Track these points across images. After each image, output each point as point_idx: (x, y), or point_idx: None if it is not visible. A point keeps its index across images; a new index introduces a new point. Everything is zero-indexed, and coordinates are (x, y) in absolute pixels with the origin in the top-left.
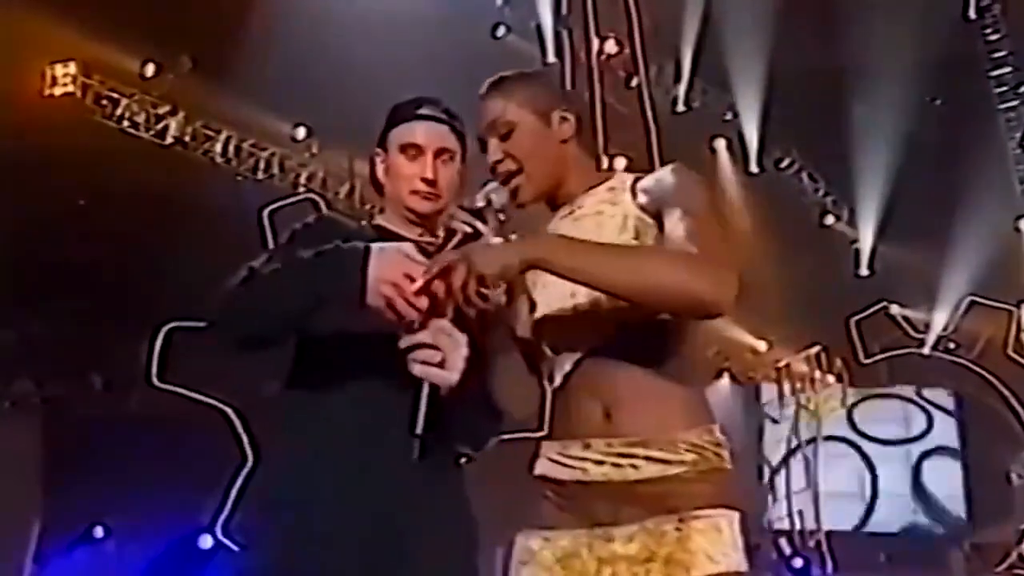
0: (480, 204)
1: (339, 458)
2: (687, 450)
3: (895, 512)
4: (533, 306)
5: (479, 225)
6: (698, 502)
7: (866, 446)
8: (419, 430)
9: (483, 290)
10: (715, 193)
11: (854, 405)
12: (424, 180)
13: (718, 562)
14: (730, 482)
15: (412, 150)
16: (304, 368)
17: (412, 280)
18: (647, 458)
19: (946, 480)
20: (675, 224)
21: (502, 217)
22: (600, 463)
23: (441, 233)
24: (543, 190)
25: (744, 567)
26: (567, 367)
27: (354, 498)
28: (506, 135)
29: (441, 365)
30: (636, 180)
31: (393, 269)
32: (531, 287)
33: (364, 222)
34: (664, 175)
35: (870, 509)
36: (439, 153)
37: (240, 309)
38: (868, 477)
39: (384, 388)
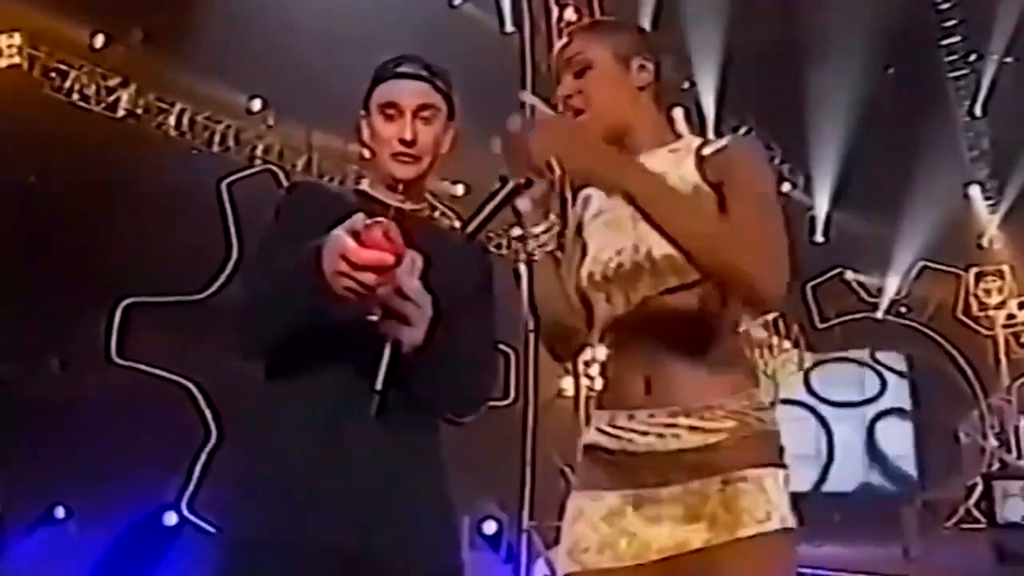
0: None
1: (313, 431)
2: (726, 417)
3: (850, 473)
4: (583, 255)
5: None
6: (741, 463)
7: (822, 409)
8: (378, 386)
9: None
10: (774, 175)
11: (810, 369)
12: (402, 141)
13: (762, 521)
14: (773, 442)
15: (391, 110)
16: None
17: (348, 260)
18: (689, 427)
19: (898, 440)
20: (739, 204)
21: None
22: (644, 434)
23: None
24: (608, 132)
25: (791, 523)
26: (606, 332)
27: (328, 470)
28: (581, 72)
29: (407, 322)
30: (702, 145)
31: (333, 259)
32: (584, 236)
33: (349, 186)
34: (731, 147)
35: (826, 470)
36: (419, 111)
37: (251, 329)
38: (824, 439)
39: (355, 361)
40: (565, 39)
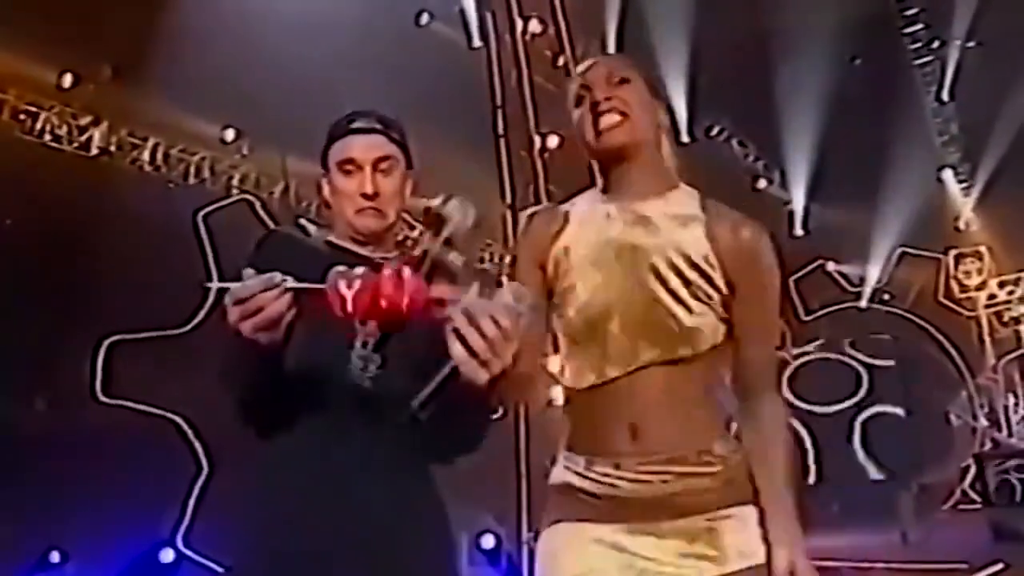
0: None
1: (311, 464)
2: (712, 462)
3: (843, 464)
4: (570, 297)
5: (450, 261)
6: (727, 502)
7: (807, 411)
8: (416, 404)
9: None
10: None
11: (795, 370)
12: (364, 195)
13: (747, 556)
14: (747, 480)
15: (349, 165)
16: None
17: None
18: (679, 474)
19: (891, 426)
20: (749, 321)
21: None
22: (632, 481)
23: (413, 253)
24: (635, 142)
25: (764, 558)
26: (593, 379)
27: (329, 504)
28: (620, 83)
29: (484, 364)
30: (704, 210)
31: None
32: (570, 275)
33: (320, 235)
34: (753, 242)
35: (818, 463)
36: (377, 164)
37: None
38: (810, 440)
39: (349, 389)
40: (591, 61)
